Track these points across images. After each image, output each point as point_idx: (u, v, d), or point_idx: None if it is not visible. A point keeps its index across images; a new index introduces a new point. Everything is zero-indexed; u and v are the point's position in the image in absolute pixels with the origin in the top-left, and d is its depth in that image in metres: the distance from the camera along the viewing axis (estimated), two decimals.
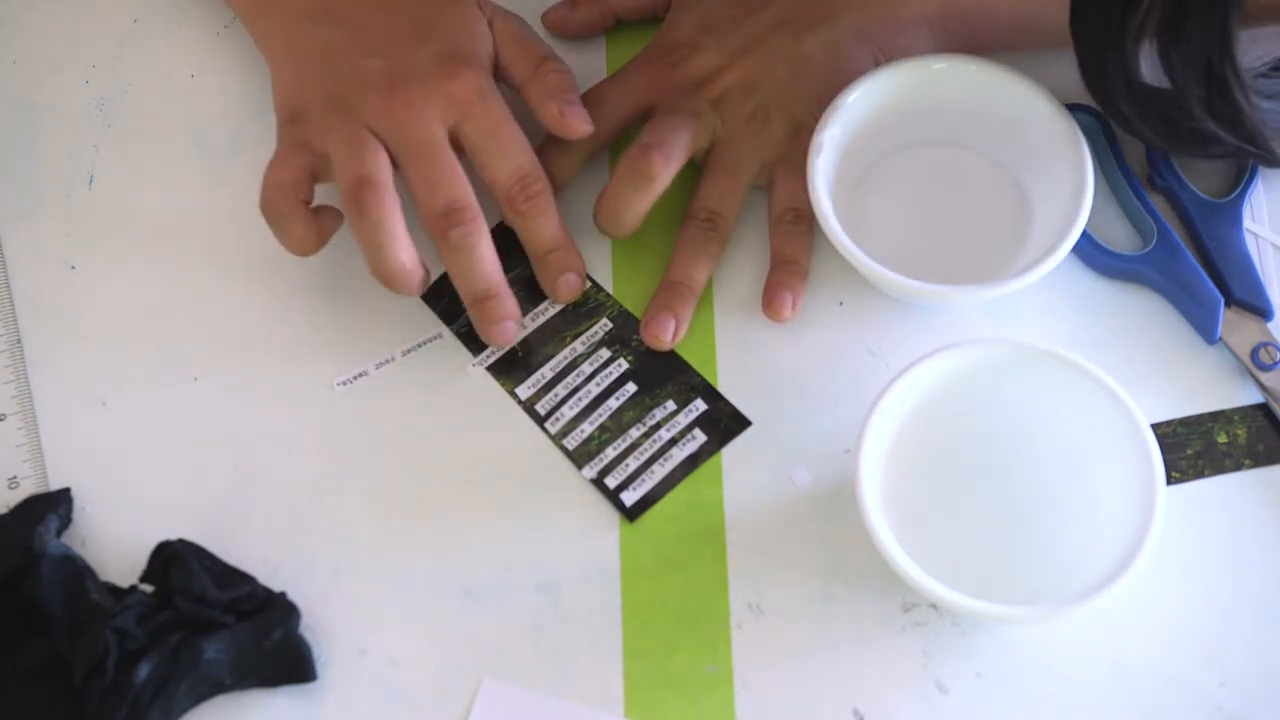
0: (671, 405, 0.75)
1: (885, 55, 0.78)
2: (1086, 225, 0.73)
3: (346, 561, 0.73)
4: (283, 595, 0.70)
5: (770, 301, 0.76)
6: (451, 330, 0.77)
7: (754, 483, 0.74)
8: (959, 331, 0.76)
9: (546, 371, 0.76)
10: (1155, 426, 0.72)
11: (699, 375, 0.76)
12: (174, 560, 0.70)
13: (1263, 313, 0.75)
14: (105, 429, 0.76)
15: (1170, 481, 0.72)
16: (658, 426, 0.75)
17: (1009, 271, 0.74)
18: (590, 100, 0.79)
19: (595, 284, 0.78)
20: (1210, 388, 0.75)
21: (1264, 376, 0.74)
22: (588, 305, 0.78)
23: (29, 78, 0.84)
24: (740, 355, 0.76)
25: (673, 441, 0.75)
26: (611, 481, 0.74)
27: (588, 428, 0.75)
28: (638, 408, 0.75)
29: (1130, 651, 0.70)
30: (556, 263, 0.76)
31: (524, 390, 0.76)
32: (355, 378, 0.77)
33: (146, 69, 0.84)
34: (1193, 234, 0.77)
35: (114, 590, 0.70)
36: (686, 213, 0.78)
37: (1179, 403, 0.75)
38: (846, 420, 0.73)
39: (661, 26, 0.81)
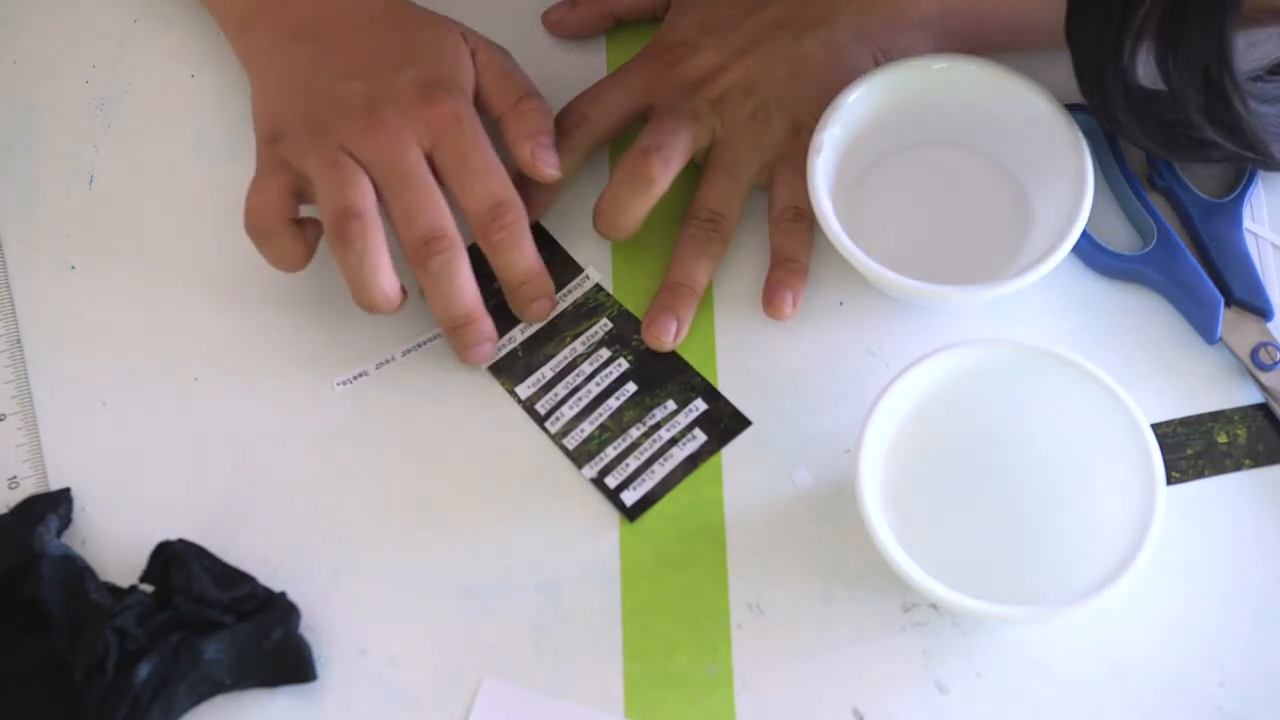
0: (671, 405, 0.75)
1: (885, 55, 0.78)
2: (1086, 225, 0.73)
3: (346, 561, 0.73)
4: (283, 595, 0.70)
5: (771, 299, 0.76)
6: None
7: (754, 483, 0.74)
8: (959, 331, 0.76)
9: (546, 371, 0.76)
10: (1155, 426, 0.72)
11: (699, 375, 0.76)
12: (174, 560, 0.70)
13: (1263, 313, 0.75)
14: (105, 429, 0.76)
15: (1170, 481, 0.72)
16: (658, 426, 0.75)
17: (1009, 271, 0.74)
18: (589, 99, 0.79)
19: (596, 284, 0.78)
20: (1210, 388, 0.75)
21: (1264, 376, 0.74)
22: (588, 305, 0.78)
23: (29, 78, 0.84)
24: (740, 355, 0.76)
25: (673, 441, 0.75)
26: (612, 481, 0.74)
27: (588, 427, 0.75)
28: (638, 407, 0.75)
29: (1130, 651, 0.70)
30: (528, 293, 0.76)
31: (524, 390, 0.76)
32: (355, 378, 0.77)
33: (146, 69, 0.84)
34: (1193, 234, 0.77)
35: (114, 590, 0.70)
36: (687, 213, 0.78)
37: (1179, 403, 0.75)
38: (846, 420, 0.73)
39: (661, 26, 0.81)
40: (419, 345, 0.77)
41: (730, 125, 0.78)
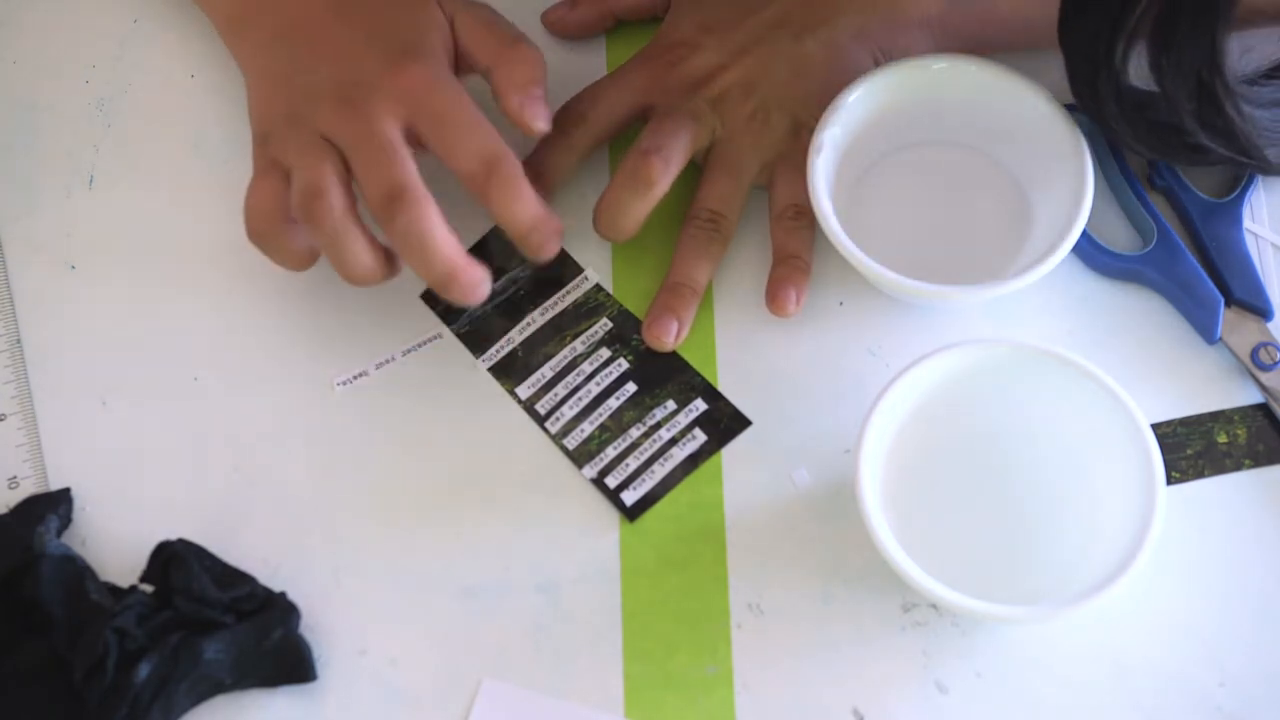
0: (671, 405, 0.75)
1: (885, 55, 0.78)
2: (1086, 225, 0.73)
3: (346, 561, 0.73)
4: (283, 595, 0.70)
5: (774, 296, 0.76)
6: (451, 330, 0.77)
7: (754, 483, 0.74)
8: (959, 331, 0.76)
9: (546, 371, 0.76)
10: (1155, 426, 0.72)
11: (699, 375, 0.76)
12: (174, 560, 0.70)
13: (1263, 313, 0.75)
14: (105, 429, 0.76)
15: (1170, 481, 0.72)
16: (658, 426, 0.75)
17: (1009, 271, 0.74)
18: (589, 99, 0.79)
19: (596, 284, 0.78)
20: (1210, 388, 0.75)
21: (1264, 376, 0.74)
22: (588, 305, 0.78)
23: (29, 78, 0.84)
24: (740, 355, 0.76)
25: (673, 441, 0.75)
26: (612, 481, 0.74)
27: (588, 427, 0.75)
28: (638, 407, 0.75)
29: (1130, 651, 0.70)
30: (538, 239, 0.73)
31: (524, 390, 0.76)
32: (355, 378, 0.77)
33: (146, 69, 0.84)
34: (1193, 234, 0.77)
35: (114, 590, 0.70)
36: (687, 213, 0.78)
37: (1179, 403, 0.75)
38: (846, 420, 0.73)
39: (661, 26, 0.81)
40: (419, 345, 0.77)
41: (730, 125, 0.78)
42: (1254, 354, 0.75)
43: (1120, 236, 0.78)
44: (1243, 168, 0.77)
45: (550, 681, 0.70)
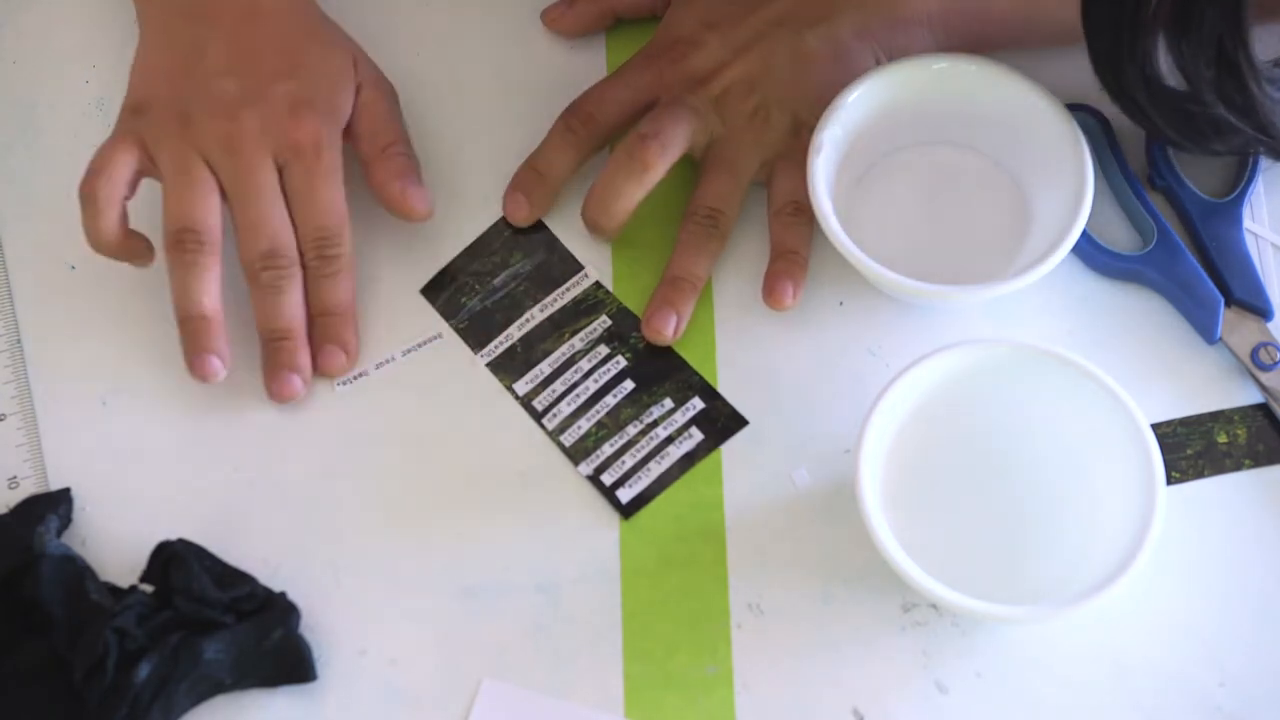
0: (669, 403, 0.75)
1: (886, 53, 0.78)
2: (1086, 225, 0.73)
3: (346, 561, 0.73)
4: (283, 595, 0.70)
5: (771, 290, 0.76)
6: (451, 326, 0.77)
7: (754, 483, 0.74)
8: (959, 331, 0.76)
9: (545, 367, 0.76)
10: (1155, 426, 0.72)
11: (697, 374, 0.76)
12: (174, 560, 0.70)
13: (1263, 313, 0.75)
14: (105, 429, 0.76)
15: (1170, 481, 0.72)
16: (655, 424, 0.75)
17: (1009, 271, 0.74)
18: (594, 99, 0.79)
19: (595, 281, 0.78)
20: (1210, 388, 0.75)
21: (1264, 376, 0.74)
22: (587, 302, 0.78)
23: (29, 78, 0.84)
24: (740, 354, 0.76)
25: (669, 439, 0.75)
26: (607, 478, 0.74)
27: (585, 424, 0.75)
28: (635, 405, 0.75)
29: (1130, 651, 0.70)
30: (331, 326, 0.76)
31: (522, 386, 0.76)
32: (355, 378, 0.77)
33: None
34: (1193, 234, 0.77)
35: (114, 590, 0.70)
36: (686, 210, 0.78)
37: (1179, 403, 0.75)
38: (846, 420, 0.73)
39: (662, 23, 0.81)
40: (419, 345, 0.77)
41: (731, 122, 0.78)
42: (1254, 354, 0.75)
43: (1120, 236, 0.78)
44: (1261, 150, 0.76)
45: (550, 681, 0.70)
